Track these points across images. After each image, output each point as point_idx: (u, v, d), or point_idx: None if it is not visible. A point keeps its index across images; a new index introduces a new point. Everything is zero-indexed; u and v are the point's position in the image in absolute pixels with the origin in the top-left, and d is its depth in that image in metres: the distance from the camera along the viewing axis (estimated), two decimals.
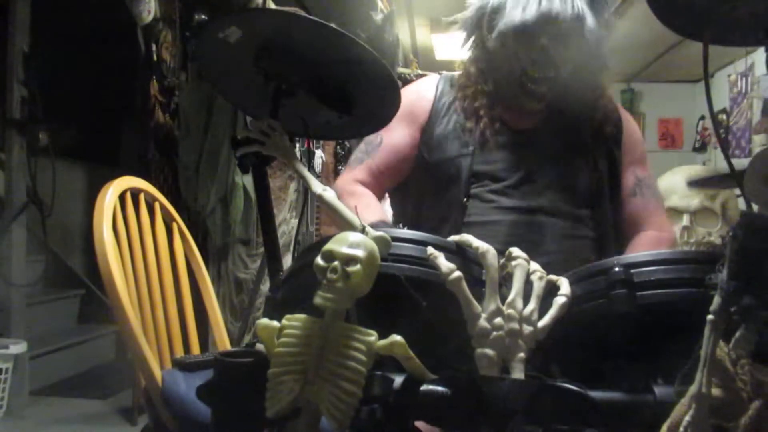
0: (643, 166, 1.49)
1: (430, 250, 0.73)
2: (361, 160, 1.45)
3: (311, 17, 1.01)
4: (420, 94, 1.48)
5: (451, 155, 1.38)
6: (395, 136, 1.42)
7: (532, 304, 0.73)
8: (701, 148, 6.42)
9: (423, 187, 1.42)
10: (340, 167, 4.34)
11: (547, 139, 1.40)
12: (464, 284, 0.71)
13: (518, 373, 0.69)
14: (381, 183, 1.44)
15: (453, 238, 0.78)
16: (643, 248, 1.35)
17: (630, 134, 1.48)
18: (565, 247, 1.32)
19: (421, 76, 3.12)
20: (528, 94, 1.37)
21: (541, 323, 0.72)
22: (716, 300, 0.60)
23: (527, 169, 1.37)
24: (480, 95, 1.42)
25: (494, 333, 0.71)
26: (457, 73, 1.51)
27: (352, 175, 1.44)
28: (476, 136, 1.39)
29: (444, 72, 1.58)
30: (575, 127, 1.42)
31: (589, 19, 1.30)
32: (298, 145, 3.62)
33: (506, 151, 1.39)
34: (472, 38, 1.44)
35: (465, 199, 1.34)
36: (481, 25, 1.40)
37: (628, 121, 1.50)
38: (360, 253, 0.67)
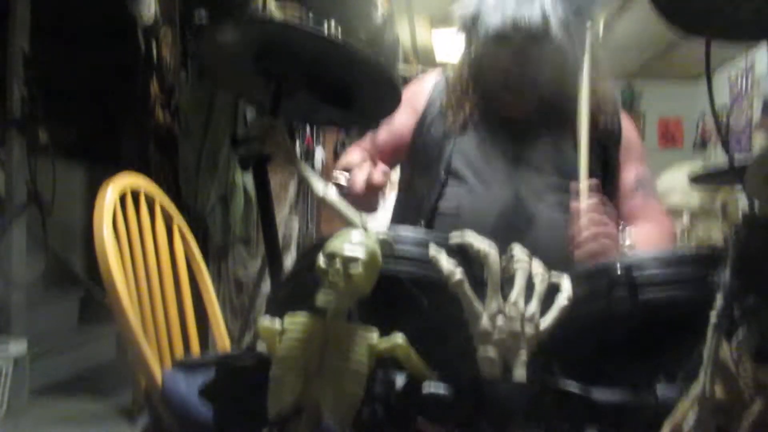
0: (643, 165, 1.52)
1: (432, 250, 0.73)
2: (366, 136, 1.57)
3: (311, 28, 1.02)
4: (420, 87, 1.56)
5: (435, 138, 1.45)
6: (396, 120, 1.47)
7: (534, 304, 0.73)
8: (701, 147, 6.41)
9: (411, 171, 1.51)
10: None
11: (535, 129, 1.44)
12: (466, 285, 0.71)
13: (520, 374, 0.69)
14: (384, 155, 1.48)
15: (454, 239, 0.78)
16: (642, 240, 1.36)
17: (629, 133, 1.51)
18: (553, 236, 1.32)
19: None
20: (510, 101, 1.43)
21: (542, 324, 0.72)
22: (718, 300, 0.60)
23: (513, 158, 1.41)
24: (469, 94, 1.47)
25: (496, 333, 0.71)
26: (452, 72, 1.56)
27: (357, 145, 1.57)
28: (460, 121, 1.44)
29: (444, 68, 1.62)
30: (565, 120, 1.42)
31: (557, 23, 1.32)
32: (298, 144, 3.62)
33: (493, 137, 1.43)
34: (465, 40, 1.48)
35: (443, 183, 1.39)
36: (467, 30, 1.44)
37: (627, 120, 1.53)
38: (361, 253, 0.66)
